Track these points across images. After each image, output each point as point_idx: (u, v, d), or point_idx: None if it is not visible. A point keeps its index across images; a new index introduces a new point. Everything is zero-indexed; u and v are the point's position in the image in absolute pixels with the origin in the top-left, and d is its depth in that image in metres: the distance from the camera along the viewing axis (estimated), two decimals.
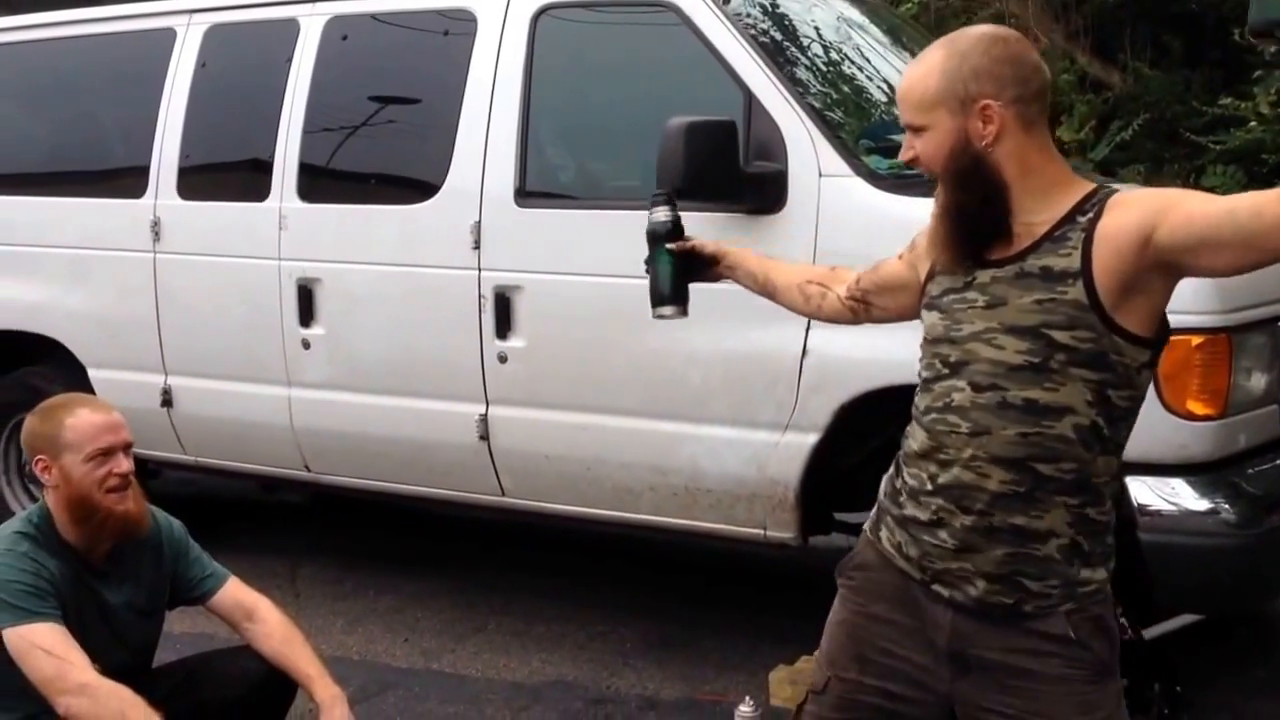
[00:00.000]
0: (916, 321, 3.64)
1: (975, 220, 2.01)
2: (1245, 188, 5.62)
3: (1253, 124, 6.32)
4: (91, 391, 5.03)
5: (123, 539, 2.89)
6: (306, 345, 4.54)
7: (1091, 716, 2.03)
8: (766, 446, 3.89)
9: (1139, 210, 1.93)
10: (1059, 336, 1.95)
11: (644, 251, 3.89)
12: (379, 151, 4.61)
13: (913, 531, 2.10)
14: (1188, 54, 6.81)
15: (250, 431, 4.77)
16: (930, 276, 2.15)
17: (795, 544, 4.01)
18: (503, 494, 4.35)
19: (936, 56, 2.03)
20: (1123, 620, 2.22)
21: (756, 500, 3.95)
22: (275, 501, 6.12)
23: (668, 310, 2.57)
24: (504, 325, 4.16)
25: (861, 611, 2.20)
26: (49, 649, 2.62)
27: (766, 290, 2.56)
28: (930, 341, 2.13)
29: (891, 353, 3.64)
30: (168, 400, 4.88)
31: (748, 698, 3.69)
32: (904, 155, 2.09)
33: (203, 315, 4.80)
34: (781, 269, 2.57)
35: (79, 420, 2.85)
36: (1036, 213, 2.00)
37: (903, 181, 3.91)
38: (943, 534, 2.06)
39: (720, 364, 3.92)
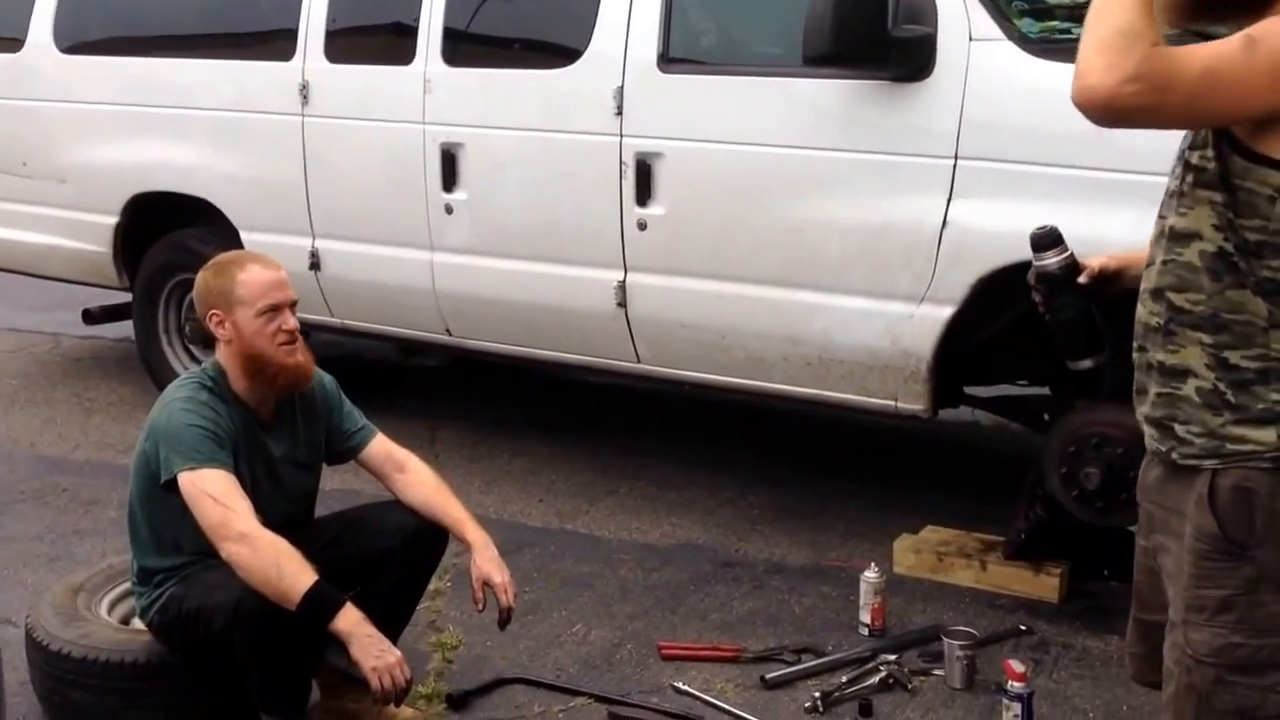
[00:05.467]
0: (1062, 193, 3.58)
1: None
2: None
3: None
4: None
5: (290, 391, 2.99)
6: (449, 210, 4.61)
7: (1210, 592, 1.91)
8: (901, 318, 3.86)
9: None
10: (1190, 157, 1.87)
11: (782, 121, 3.92)
12: (522, 16, 4.60)
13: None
14: None
15: (394, 295, 4.88)
16: None
17: (926, 416, 4.01)
18: (638, 361, 4.41)
19: None
20: None
21: (889, 372, 3.95)
22: (413, 366, 6.29)
23: (1090, 361, 2.33)
24: (644, 192, 4.18)
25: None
26: (217, 496, 2.72)
27: None
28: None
29: (1033, 225, 3.58)
30: (315, 263, 5.00)
31: (873, 564, 3.75)
32: None
33: (349, 179, 4.89)
34: None
35: (251, 276, 2.92)
36: None
37: (1054, 46, 3.79)
38: (1137, 376, 2.02)
39: (858, 234, 3.89)
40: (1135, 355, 2.02)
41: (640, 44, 4.16)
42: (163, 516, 2.90)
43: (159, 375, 5.59)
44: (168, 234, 5.50)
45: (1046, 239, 2.23)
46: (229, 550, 2.71)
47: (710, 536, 4.38)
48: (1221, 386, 1.90)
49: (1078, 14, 4.07)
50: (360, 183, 4.86)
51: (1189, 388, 1.92)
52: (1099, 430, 3.70)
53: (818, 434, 5.31)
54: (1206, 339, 1.90)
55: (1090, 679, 3.42)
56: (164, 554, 2.93)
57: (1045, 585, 3.88)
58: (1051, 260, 2.22)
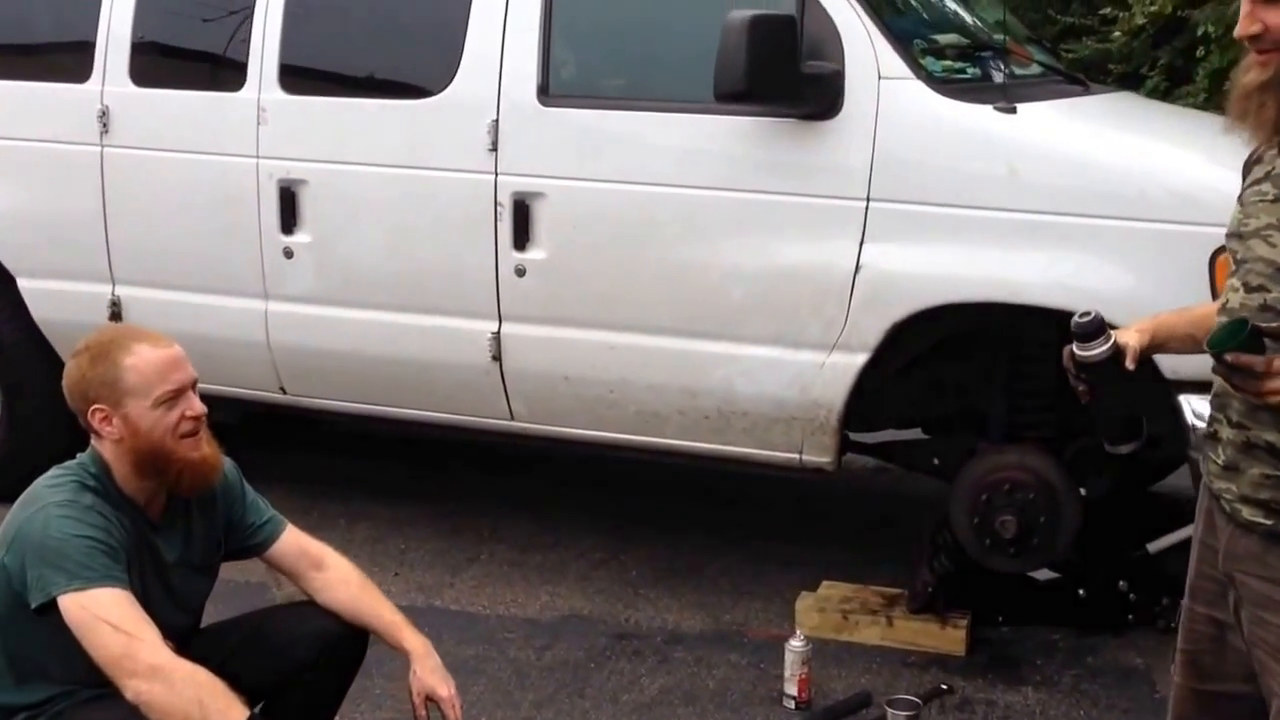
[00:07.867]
0: (976, 235, 3.50)
1: None
2: None
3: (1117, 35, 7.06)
4: (21, 304, 4.53)
5: (198, 490, 2.49)
6: (289, 254, 4.11)
7: None
8: (811, 367, 3.67)
9: None
10: None
11: (681, 160, 3.66)
12: (378, 34, 4.10)
13: (1206, 448, 2.00)
14: None
15: (216, 349, 4.25)
16: (1248, 169, 1.98)
17: (831, 469, 3.84)
18: (512, 419, 4.04)
19: None
20: None
21: (795, 424, 3.75)
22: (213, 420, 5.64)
23: (1131, 445, 2.30)
24: (522, 235, 3.83)
25: (1197, 539, 2.09)
26: (117, 623, 2.23)
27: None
28: (1227, 236, 1.97)
29: (950, 268, 3.50)
30: (116, 313, 4.37)
31: (799, 632, 3.58)
32: (1248, 29, 1.82)
33: (160, 219, 4.29)
34: (1207, 309, 2.18)
35: (140, 359, 2.41)
36: None
37: (960, 85, 3.75)
38: (1217, 449, 1.95)
39: (764, 280, 3.68)
40: (1228, 431, 1.93)
41: (516, 73, 3.80)
42: (27, 643, 2.37)
43: None
44: None
45: (1092, 327, 2.09)
46: (138, 688, 2.21)
47: (595, 605, 4.06)
48: None
49: (967, 53, 4.05)
50: (175, 223, 4.27)
51: None
52: (1009, 476, 3.67)
53: (680, 483, 5.03)
54: None
55: None
56: (27, 687, 2.39)
57: (952, 638, 3.78)
58: (1100, 350, 2.09)
